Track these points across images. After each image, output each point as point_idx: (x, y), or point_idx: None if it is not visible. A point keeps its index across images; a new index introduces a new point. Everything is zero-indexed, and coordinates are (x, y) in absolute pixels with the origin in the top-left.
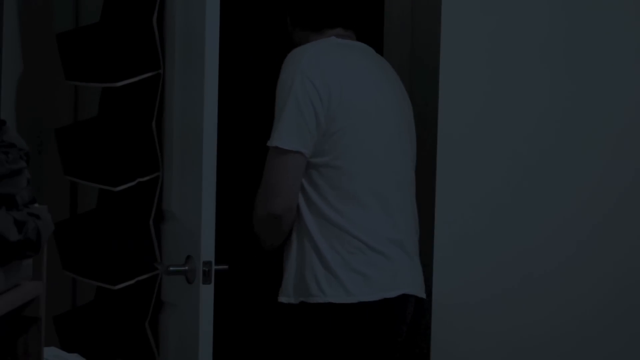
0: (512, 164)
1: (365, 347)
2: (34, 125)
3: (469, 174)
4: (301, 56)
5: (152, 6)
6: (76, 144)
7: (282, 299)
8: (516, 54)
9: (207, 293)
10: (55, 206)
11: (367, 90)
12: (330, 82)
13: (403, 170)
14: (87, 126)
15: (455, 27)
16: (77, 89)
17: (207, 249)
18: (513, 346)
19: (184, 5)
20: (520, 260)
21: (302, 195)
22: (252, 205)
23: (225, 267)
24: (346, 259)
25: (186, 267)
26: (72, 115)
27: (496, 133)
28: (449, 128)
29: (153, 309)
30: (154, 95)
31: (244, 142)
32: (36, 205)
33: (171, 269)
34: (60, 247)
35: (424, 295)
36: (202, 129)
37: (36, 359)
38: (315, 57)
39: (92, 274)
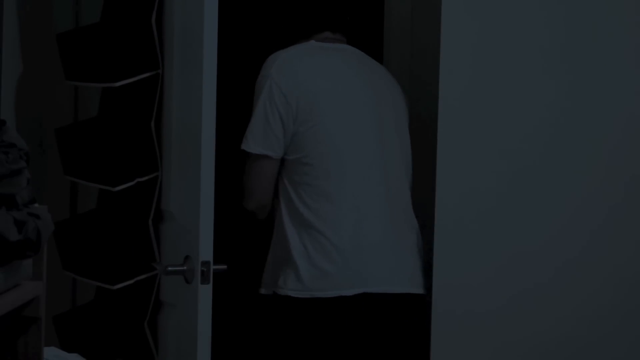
0: (513, 164)
1: (326, 342)
2: (34, 125)
3: (469, 174)
4: (273, 62)
5: (151, 6)
6: (76, 144)
7: (261, 290)
8: (516, 54)
9: (205, 293)
10: (55, 206)
11: (339, 92)
12: (299, 87)
13: (385, 170)
14: (87, 126)
15: (455, 27)
16: (77, 88)
17: (205, 249)
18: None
19: (182, 5)
20: (522, 262)
21: (282, 190)
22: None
23: (224, 267)
24: (311, 254)
25: (184, 267)
26: (72, 115)
27: (497, 133)
28: (449, 128)
29: (152, 309)
30: (153, 95)
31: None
32: (36, 205)
33: (170, 269)
34: (60, 247)
35: (414, 291)
36: (200, 129)
37: (36, 359)
38: (286, 63)
39: (92, 273)
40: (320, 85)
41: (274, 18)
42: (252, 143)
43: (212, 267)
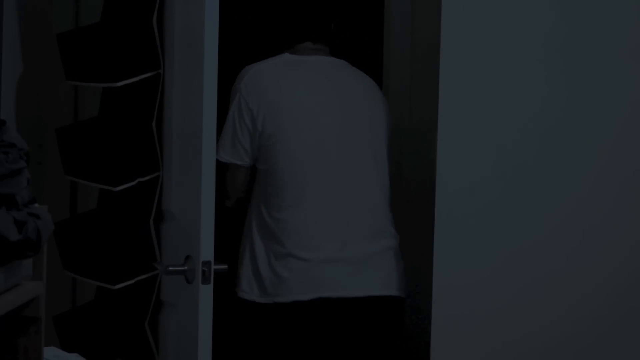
0: (513, 163)
1: (289, 346)
2: (34, 125)
3: (470, 174)
4: (243, 76)
5: (151, 6)
6: (76, 143)
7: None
8: (516, 52)
9: (206, 293)
10: (55, 206)
11: (305, 107)
12: (265, 103)
13: (357, 179)
14: (88, 126)
15: (455, 25)
16: (78, 88)
17: (206, 249)
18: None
19: (183, 6)
20: (522, 261)
21: (253, 197)
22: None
23: (225, 267)
24: (272, 262)
25: (185, 267)
26: (73, 115)
27: (497, 132)
28: (450, 127)
29: (153, 309)
30: (154, 95)
31: None
32: (36, 205)
33: (170, 268)
34: (61, 247)
35: (376, 293)
36: (201, 128)
37: (36, 359)
38: (255, 77)
39: (92, 273)
40: (286, 101)
41: (269, 21)
42: (222, 152)
43: (213, 267)
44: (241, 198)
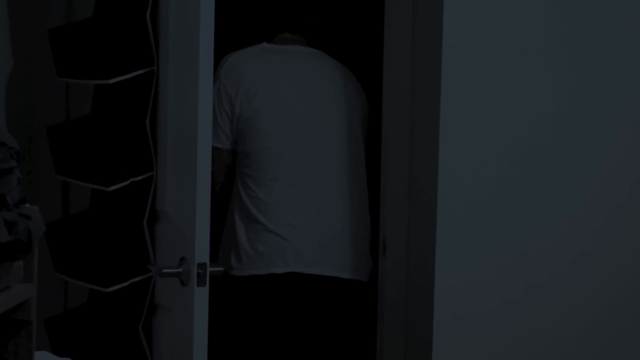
0: (517, 163)
1: (257, 318)
2: (24, 124)
3: (472, 174)
4: (223, 63)
5: (145, 1)
6: (68, 142)
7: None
8: (520, 51)
9: (201, 296)
10: (46, 206)
11: (279, 93)
12: (242, 88)
13: (322, 164)
14: (80, 124)
15: (457, 22)
16: (69, 86)
17: (201, 251)
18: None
19: (178, 0)
20: (526, 262)
21: (237, 178)
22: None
23: (221, 269)
24: (250, 237)
25: (180, 269)
26: (64, 113)
27: (501, 131)
28: (451, 127)
29: (146, 312)
30: (147, 92)
31: None
32: (27, 205)
33: (165, 270)
34: (52, 248)
35: (343, 275)
36: (196, 127)
37: None
38: (233, 65)
39: (84, 276)
40: (261, 87)
41: (252, 13)
42: None
43: (209, 269)
44: (225, 182)
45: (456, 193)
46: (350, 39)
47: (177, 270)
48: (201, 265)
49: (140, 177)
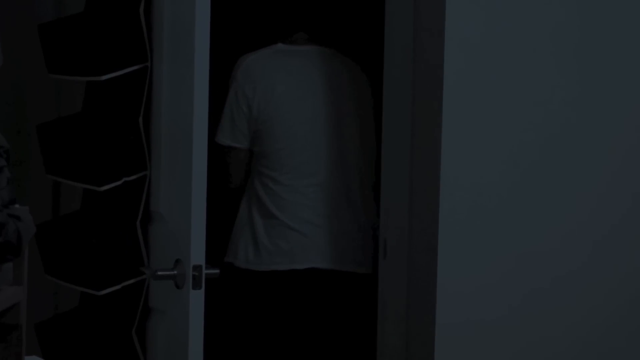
0: (520, 164)
1: (277, 313)
2: (14, 122)
3: (474, 175)
4: (239, 65)
5: None
6: (59, 141)
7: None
8: (524, 50)
9: (197, 299)
10: (37, 207)
11: (296, 94)
12: (259, 90)
13: (348, 164)
14: (71, 122)
15: (460, 18)
16: (60, 83)
17: (197, 252)
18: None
19: None
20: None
21: (252, 176)
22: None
23: (217, 271)
24: (269, 232)
25: (175, 272)
26: (55, 111)
27: (505, 132)
28: (453, 127)
29: (140, 316)
30: (141, 89)
31: None
32: (17, 206)
33: (159, 273)
34: (42, 250)
35: (357, 270)
36: (191, 125)
37: None
38: (250, 67)
39: (76, 278)
40: (278, 88)
41: (266, 11)
42: (222, 136)
43: (205, 271)
44: (244, 179)
45: (458, 194)
46: (350, 37)
47: (171, 272)
48: (197, 268)
49: (133, 177)
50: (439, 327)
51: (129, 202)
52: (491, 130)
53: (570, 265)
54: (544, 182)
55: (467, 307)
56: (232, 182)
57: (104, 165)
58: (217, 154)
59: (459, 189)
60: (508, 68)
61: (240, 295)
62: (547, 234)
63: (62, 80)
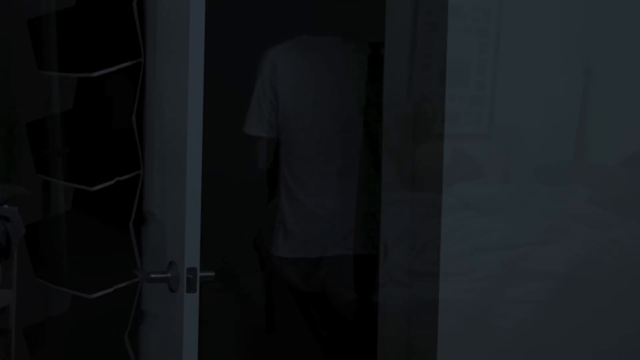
0: (522, 164)
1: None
2: (3, 120)
3: (477, 176)
4: (267, 55)
5: None
6: (49, 139)
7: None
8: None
9: (191, 302)
10: (26, 207)
11: (325, 83)
12: (283, 81)
13: (354, 151)
14: (61, 120)
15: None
16: (51, 79)
17: (191, 255)
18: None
19: None
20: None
21: (282, 164)
22: (240, 207)
23: (212, 274)
24: (299, 221)
25: (169, 274)
26: (45, 108)
27: (505, 132)
28: (456, 127)
29: (133, 320)
30: (134, 86)
31: (233, 137)
32: (6, 206)
33: (152, 276)
34: (32, 252)
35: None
36: (186, 123)
37: None
38: (275, 58)
39: (67, 281)
40: (302, 79)
41: (265, 6)
42: (249, 126)
43: (199, 274)
44: (270, 167)
45: (460, 195)
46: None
47: (165, 275)
48: (191, 270)
49: (126, 177)
50: (441, 327)
51: (122, 203)
52: (492, 131)
53: (570, 267)
54: (546, 183)
55: (468, 306)
56: (261, 165)
57: (96, 164)
58: (214, 156)
59: (460, 190)
60: (510, 64)
61: (279, 285)
62: (549, 236)
63: (52, 76)
